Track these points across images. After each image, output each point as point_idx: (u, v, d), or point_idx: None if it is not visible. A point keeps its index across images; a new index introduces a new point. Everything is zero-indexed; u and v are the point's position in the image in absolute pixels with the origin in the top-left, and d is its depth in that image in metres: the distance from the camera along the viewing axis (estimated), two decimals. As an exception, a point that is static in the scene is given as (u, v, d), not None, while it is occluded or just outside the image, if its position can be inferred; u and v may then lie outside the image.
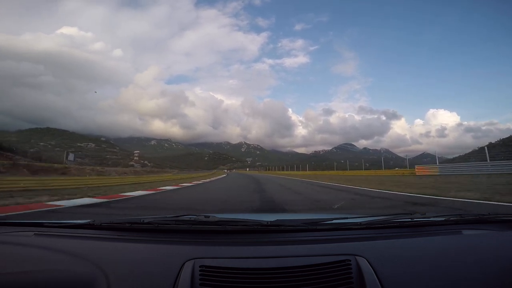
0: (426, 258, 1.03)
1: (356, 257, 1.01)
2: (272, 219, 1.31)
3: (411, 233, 1.30)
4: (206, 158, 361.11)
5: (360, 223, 1.30)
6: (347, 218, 1.42)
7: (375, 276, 0.91)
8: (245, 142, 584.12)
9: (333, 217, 1.39)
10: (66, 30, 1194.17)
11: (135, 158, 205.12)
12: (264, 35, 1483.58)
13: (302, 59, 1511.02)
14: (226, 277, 0.91)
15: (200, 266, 0.94)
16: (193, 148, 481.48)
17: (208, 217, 1.30)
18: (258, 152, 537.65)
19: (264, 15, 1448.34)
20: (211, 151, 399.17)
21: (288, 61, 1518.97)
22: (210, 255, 1.03)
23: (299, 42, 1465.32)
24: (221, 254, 1.05)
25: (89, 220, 1.34)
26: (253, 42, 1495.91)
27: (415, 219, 1.37)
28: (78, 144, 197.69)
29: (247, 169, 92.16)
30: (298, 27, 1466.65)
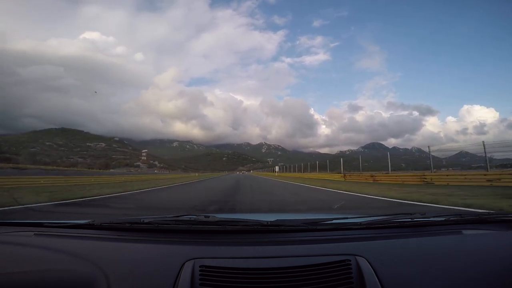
0: (426, 258, 1.03)
1: (356, 257, 1.00)
2: (272, 219, 1.31)
3: (411, 233, 1.30)
4: (224, 158, 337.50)
5: (360, 223, 1.31)
6: (347, 218, 1.42)
7: (375, 276, 0.91)
8: (265, 143, 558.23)
9: (333, 217, 1.39)
10: (89, 35, 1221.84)
11: (142, 158, 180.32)
12: (281, 33, 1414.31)
13: (322, 56, 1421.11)
14: (226, 277, 0.91)
15: (200, 266, 0.94)
16: (214, 149, 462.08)
17: (208, 217, 1.31)
18: (279, 152, 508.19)
19: (280, 13, 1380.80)
20: (230, 152, 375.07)
21: (308, 59, 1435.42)
22: (210, 255, 1.03)
23: (319, 39, 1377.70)
24: (221, 254, 1.06)
25: (89, 220, 1.35)
26: (270, 41, 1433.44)
27: (415, 219, 1.38)
28: (88, 144, 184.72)
29: (276, 168, 56.02)
30: (316, 23, 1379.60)
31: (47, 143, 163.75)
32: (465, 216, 1.45)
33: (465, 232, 1.32)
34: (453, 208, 5.15)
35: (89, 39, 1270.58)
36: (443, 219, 1.42)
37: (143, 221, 1.28)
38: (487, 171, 12.17)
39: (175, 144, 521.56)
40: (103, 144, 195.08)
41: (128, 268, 0.95)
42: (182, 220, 1.31)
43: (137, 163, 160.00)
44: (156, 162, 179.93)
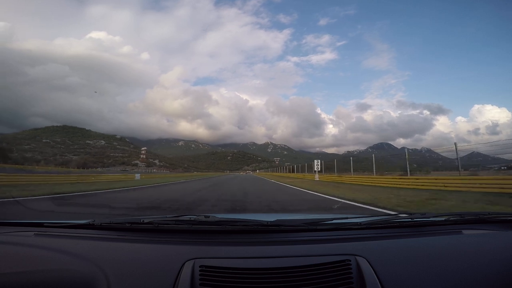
0: (426, 258, 1.03)
1: (356, 257, 1.00)
2: (272, 219, 1.32)
3: (411, 233, 1.30)
4: (229, 157, 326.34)
5: (360, 223, 1.31)
6: (347, 218, 1.42)
7: (375, 276, 0.91)
8: (271, 142, 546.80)
9: (333, 217, 1.39)
10: (96, 34, 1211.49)
11: (141, 156, 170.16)
12: (287, 32, 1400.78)
13: (329, 55, 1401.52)
14: (226, 277, 0.91)
15: (200, 266, 0.94)
16: (220, 148, 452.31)
17: (208, 217, 1.31)
18: (285, 152, 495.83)
19: (286, 11, 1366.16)
20: (235, 151, 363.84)
21: (315, 58, 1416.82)
22: (210, 255, 1.04)
23: (325, 38, 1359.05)
24: (221, 254, 1.06)
25: (89, 220, 1.34)
26: (275, 40, 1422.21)
27: (415, 219, 1.38)
28: (87, 142, 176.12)
29: (315, 164, 25.75)
30: (322, 22, 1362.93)
31: (44, 141, 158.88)
32: (465, 216, 1.46)
33: (465, 232, 1.32)
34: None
35: (96, 38, 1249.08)
36: (443, 219, 1.43)
37: (143, 221, 1.29)
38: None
39: (180, 143, 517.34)
40: (103, 142, 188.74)
41: (128, 268, 0.96)
42: (182, 220, 1.31)
43: (135, 162, 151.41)
44: (156, 161, 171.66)
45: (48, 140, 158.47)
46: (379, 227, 1.33)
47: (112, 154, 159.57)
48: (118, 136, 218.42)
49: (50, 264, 1.00)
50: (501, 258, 1.07)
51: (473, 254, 1.10)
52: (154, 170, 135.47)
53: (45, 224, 1.37)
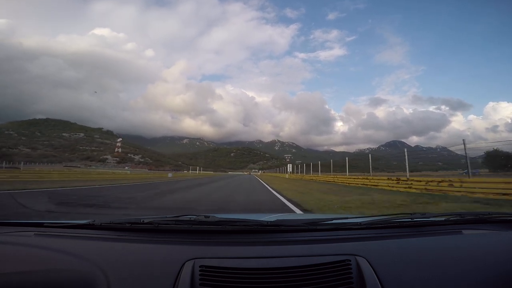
0: (426, 258, 1.03)
1: (356, 257, 1.00)
2: (272, 219, 1.32)
3: (411, 233, 1.30)
4: (232, 154, 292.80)
5: (360, 223, 1.30)
6: (347, 218, 1.42)
7: (375, 276, 0.91)
8: (278, 140, 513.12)
9: (333, 217, 1.39)
10: (99, 31, 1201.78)
11: (116, 150, 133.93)
12: (294, 27, 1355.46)
13: (338, 51, 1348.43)
14: (226, 277, 0.91)
15: (200, 266, 0.94)
16: (225, 146, 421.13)
17: (208, 217, 1.29)
18: (293, 150, 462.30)
19: (292, 6, 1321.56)
20: (240, 147, 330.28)
21: (323, 54, 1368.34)
22: (210, 255, 1.03)
23: (334, 33, 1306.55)
24: (221, 254, 1.05)
25: (89, 220, 1.32)
26: (282, 35, 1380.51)
27: (415, 219, 1.37)
28: (62, 134, 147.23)
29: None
30: (331, 16, 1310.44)
31: (6, 133, 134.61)
32: (465, 216, 1.45)
33: (465, 232, 1.32)
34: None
35: (100, 35, 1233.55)
36: (443, 219, 1.42)
37: (143, 221, 1.28)
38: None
39: (185, 141, 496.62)
40: (82, 135, 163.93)
41: (128, 268, 0.95)
42: (182, 220, 1.30)
43: (105, 157, 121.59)
44: (137, 156, 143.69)
45: (11, 132, 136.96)
46: (379, 227, 1.33)
47: (81, 147, 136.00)
48: (104, 129, 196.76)
49: (50, 264, 1.00)
50: (501, 258, 1.07)
51: (473, 254, 1.10)
52: (126, 168, 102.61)
53: (45, 224, 1.36)
